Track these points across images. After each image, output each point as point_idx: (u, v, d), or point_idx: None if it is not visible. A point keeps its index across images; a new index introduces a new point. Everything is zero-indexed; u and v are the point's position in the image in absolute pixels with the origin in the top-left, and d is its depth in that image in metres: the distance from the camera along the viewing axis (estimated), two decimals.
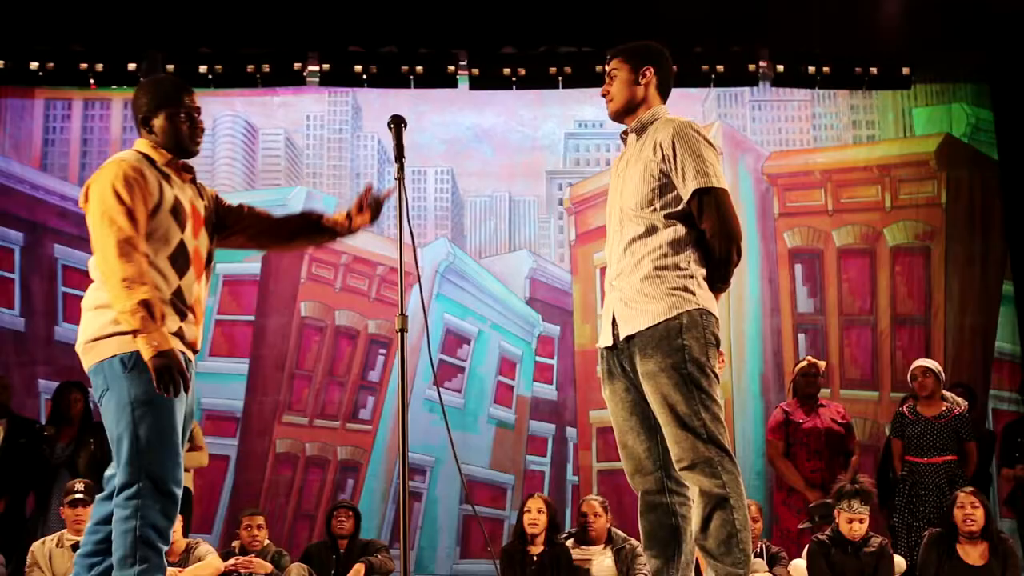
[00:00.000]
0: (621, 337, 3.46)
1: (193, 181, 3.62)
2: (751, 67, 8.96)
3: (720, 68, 8.85)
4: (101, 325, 3.37)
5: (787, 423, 7.26)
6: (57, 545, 6.16)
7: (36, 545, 6.19)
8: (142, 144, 3.55)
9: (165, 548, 3.36)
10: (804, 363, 7.42)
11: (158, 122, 3.53)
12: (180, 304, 3.44)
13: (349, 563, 6.91)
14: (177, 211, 3.45)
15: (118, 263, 3.25)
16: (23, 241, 8.76)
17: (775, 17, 8.69)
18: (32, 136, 8.97)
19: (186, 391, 3.33)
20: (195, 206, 3.57)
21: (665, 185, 3.43)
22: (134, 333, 3.24)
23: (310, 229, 3.88)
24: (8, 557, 6.48)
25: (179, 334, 3.42)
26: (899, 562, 6.45)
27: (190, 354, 3.49)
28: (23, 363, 8.50)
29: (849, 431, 7.34)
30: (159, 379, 3.22)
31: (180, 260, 3.45)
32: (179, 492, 3.37)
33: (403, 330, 3.59)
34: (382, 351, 8.89)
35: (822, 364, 7.48)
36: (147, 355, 3.23)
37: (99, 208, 3.33)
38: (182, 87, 3.62)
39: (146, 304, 3.22)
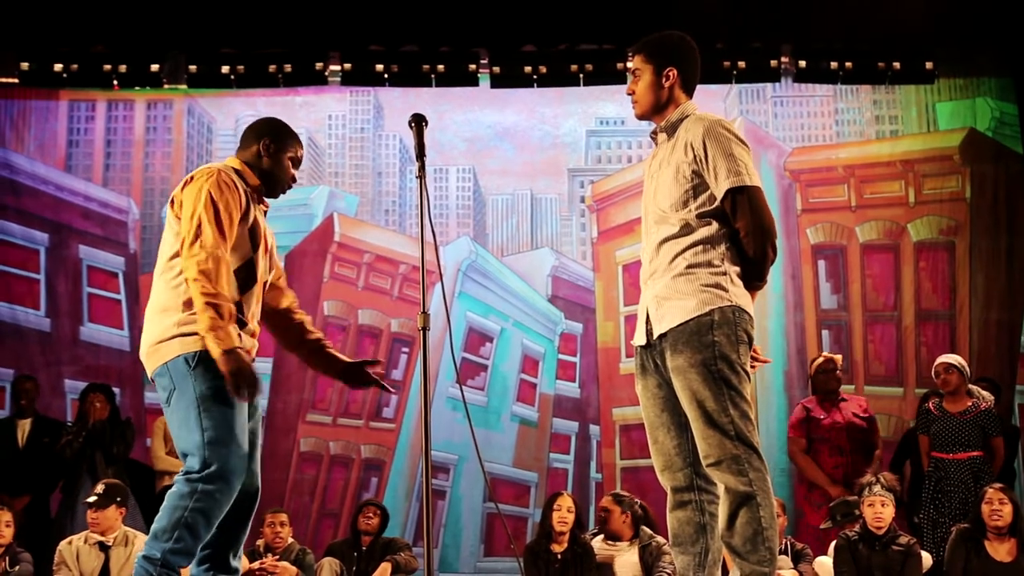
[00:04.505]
0: (654, 335, 3.44)
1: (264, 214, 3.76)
2: (773, 63, 8.93)
3: (741, 64, 8.83)
4: (165, 328, 3.47)
5: (808, 419, 7.21)
6: (84, 543, 6.19)
7: (63, 544, 6.23)
8: (236, 162, 3.70)
9: (205, 538, 3.43)
10: (821, 359, 7.37)
11: (270, 152, 3.69)
12: (240, 315, 3.53)
13: (371, 561, 6.91)
14: (255, 230, 3.59)
15: (201, 278, 3.37)
16: (48, 242, 8.80)
17: (797, 12, 8.66)
18: (57, 137, 9.01)
19: (254, 390, 3.43)
20: (268, 234, 3.71)
21: (698, 185, 3.41)
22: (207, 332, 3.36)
23: (309, 351, 3.93)
24: (35, 556, 6.52)
25: None
26: (925, 558, 6.40)
27: None
28: (49, 363, 8.55)
29: (871, 425, 7.29)
30: (231, 380, 3.34)
31: (246, 275, 3.57)
32: (237, 488, 3.44)
33: (425, 328, 3.59)
34: (405, 350, 8.88)
35: (839, 359, 7.41)
36: (215, 353, 3.35)
37: (189, 212, 3.45)
38: (299, 139, 3.80)
39: (216, 306, 3.35)
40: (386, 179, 9.23)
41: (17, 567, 6.28)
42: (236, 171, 3.63)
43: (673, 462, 3.49)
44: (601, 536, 6.85)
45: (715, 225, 3.40)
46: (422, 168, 3.69)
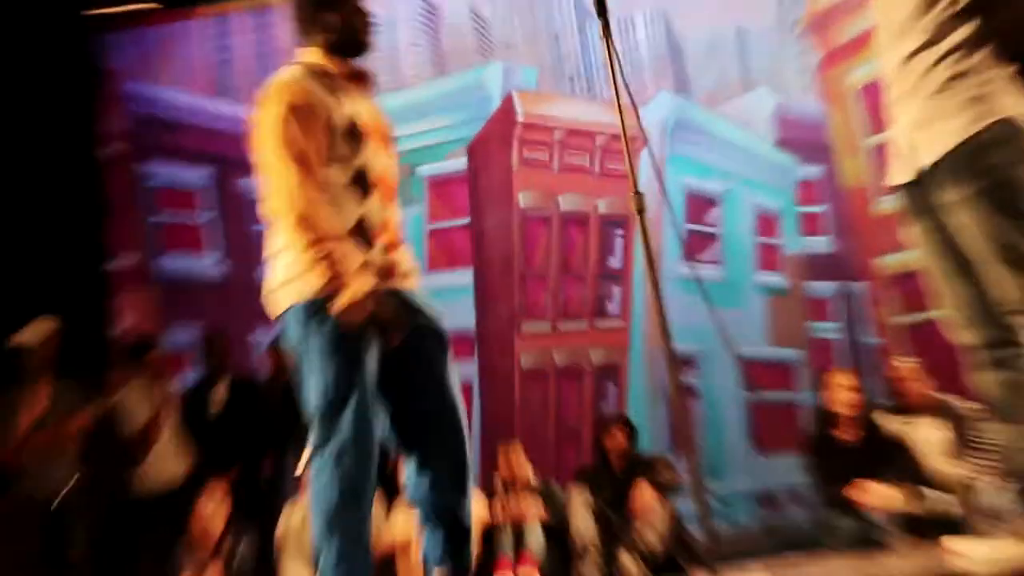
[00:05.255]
0: (919, 168, 3.14)
1: (370, 89, 3.56)
2: None
3: None
4: (279, 270, 3.35)
5: None
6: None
7: (286, 514, 6.02)
8: (313, 54, 3.49)
9: (363, 505, 3.21)
10: None
11: (331, 19, 3.48)
12: (363, 233, 3.36)
13: (627, 484, 6.36)
14: (353, 132, 3.37)
15: (297, 232, 3.20)
16: (208, 180, 8.43)
17: None
18: (200, 60, 8.66)
19: (397, 328, 3.29)
20: (376, 122, 3.50)
21: None
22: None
23: None
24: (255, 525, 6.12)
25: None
26: None
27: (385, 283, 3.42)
28: (231, 315, 8.03)
29: None
30: (377, 325, 3.23)
31: (359, 184, 3.38)
32: (372, 446, 3.22)
33: (641, 210, 3.34)
34: (619, 232, 8.27)
35: None
36: (344, 303, 3.18)
37: (267, 153, 3.27)
38: None
39: (326, 256, 3.19)
40: (564, 41, 8.61)
41: (242, 545, 5.96)
42: (312, 69, 3.40)
43: (974, 315, 3.17)
44: (890, 413, 6.16)
45: (970, 25, 3.07)
46: (606, 26, 3.47)
